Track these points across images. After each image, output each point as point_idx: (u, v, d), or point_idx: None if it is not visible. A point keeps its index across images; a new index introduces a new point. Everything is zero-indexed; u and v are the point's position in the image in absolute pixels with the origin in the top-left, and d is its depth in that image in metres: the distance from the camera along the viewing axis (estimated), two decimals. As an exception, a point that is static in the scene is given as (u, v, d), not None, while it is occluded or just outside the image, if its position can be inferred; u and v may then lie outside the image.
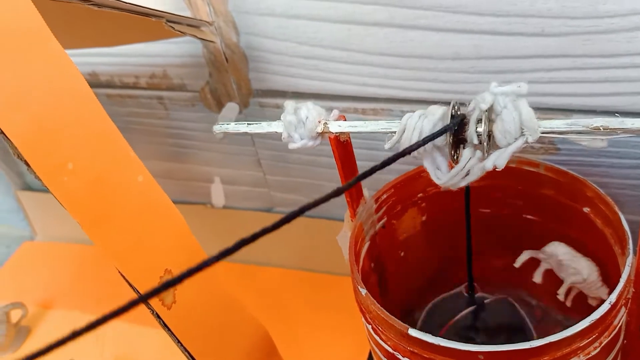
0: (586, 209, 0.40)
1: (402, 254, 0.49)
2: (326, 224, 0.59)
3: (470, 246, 0.43)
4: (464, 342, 0.31)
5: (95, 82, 0.59)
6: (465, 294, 0.48)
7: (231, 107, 0.54)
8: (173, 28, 0.41)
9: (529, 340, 0.31)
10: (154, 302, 0.34)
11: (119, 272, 0.33)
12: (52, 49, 0.30)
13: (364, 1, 0.42)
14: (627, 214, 0.43)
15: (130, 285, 0.33)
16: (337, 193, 0.26)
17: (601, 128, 0.29)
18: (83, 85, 0.31)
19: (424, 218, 0.47)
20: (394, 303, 0.49)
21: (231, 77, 0.52)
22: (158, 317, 0.34)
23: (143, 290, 0.33)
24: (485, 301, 0.49)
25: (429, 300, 0.51)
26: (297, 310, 0.60)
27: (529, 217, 0.45)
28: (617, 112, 0.40)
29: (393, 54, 0.44)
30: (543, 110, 0.42)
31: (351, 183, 0.28)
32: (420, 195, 0.46)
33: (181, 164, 0.63)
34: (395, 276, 0.48)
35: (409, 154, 0.31)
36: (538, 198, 0.43)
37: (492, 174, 0.43)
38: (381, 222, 0.45)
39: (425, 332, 0.33)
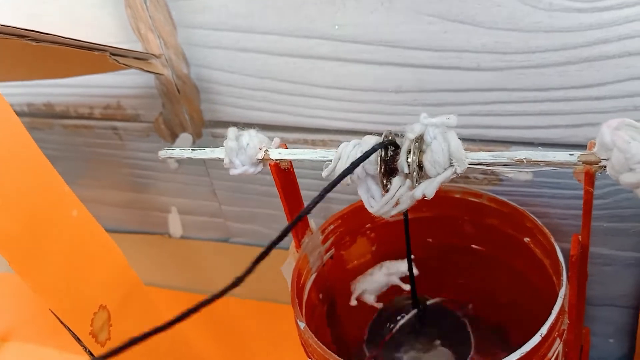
0: (527, 239, 0.40)
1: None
2: (278, 253, 0.59)
3: (412, 274, 0.43)
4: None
5: (50, 113, 0.59)
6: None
7: (185, 138, 0.54)
8: (117, 61, 0.42)
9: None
10: (87, 339, 0.33)
11: (50, 310, 0.32)
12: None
13: (307, 35, 0.42)
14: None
15: (62, 323, 0.33)
16: (284, 233, 0.28)
17: (524, 160, 0.29)
18: (15, 122, 0.31)
19: (373, 248, 0.47)
20: (346, 334, 0.49)
21: (183, 108, 0.52)
22: (91, 354, 0.34)
23: (75, 327, 0.33)
24: (428, 302, 0.49)
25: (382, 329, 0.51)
26: (251, 340, 0.60)
27: (475, 246, 0.45)
28: (555, 144, 0.41)
29: (338, 86, 0.44)
30: (484, 142, 0.42)
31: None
32: (368, 225, 0.46)
33: (138, 193, 0.62)
34: (348, 306, 0.48)
35: (340, 180, 0.32)
36: (483, 228, 0.44)
37: (439, 204, 0.44)
38: (329, 253, 0.45)
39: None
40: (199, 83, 0.49)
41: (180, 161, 0.57)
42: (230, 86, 0.48)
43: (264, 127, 0.50)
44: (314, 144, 0.49)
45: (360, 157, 0.31)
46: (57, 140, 0.61)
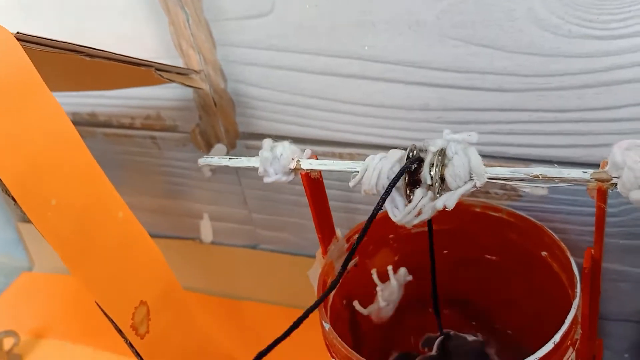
0: (544, 253, 0.42)
1: (378, 293, 0.51)
2: (309, 261, 0.61)
3: (435, 288, 0.45)
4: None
5: (94, 122, 0.62)
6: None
7: (219, 149, 0.57)
8: (162, 76, 0.45)
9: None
10: (128, 331, 0.36)
11: (96, 302, 0.35)
12: (43, 97, 0.33)
13: (338, 55, 0.45)
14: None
15: (106, 315, 0.35)
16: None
17: (540, 176, 0.31)
18: (70, 129, 0.34)
19: (396, 258, 0.49)
20: (368, 341, 0.50)
21: (219, 121, 0.55)
22: (131, 346, 0.36)
23: (118, 320, 0.36)
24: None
25: (403, 340, 0.53)
26: (280, 346, 0.62)
27: (493, 259, 0.47)
28: (572, 163, 0.43)
29: (366, 103, 0.47)
30: (504, 159, 0.44)
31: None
32: (392, 236, 0.48)
33: (172, 200, 0.65)
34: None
35: (383, 203, 0.34)
36: (502, 242, 0.46)
37: (459, 218, 0.46)
38: (354, 261, 0.47)
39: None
40: (235, 97, 0.52)
41: (213, 170, 0.60)
42: (264, 101, 0.51)
43: (294, 140, 0.52)
44: (341, 156, 0.51)
45: (396, 176, 0.33)
46: (99, 148, 0.64)
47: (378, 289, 0.47)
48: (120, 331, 0.36)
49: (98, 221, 0.35)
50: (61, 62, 0.43)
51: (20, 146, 0.31)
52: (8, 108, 0.31)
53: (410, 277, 0.48)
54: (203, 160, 0.42)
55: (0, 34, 0.32)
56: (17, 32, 0.33)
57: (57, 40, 0.36)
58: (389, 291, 0.48)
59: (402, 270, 0.48)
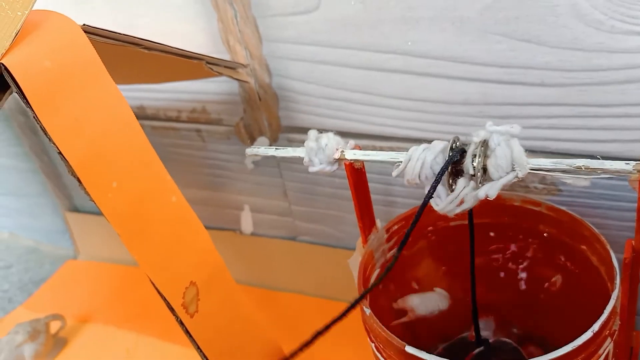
0: (583, 247, 0.43)
1: (416, 286, 0.52)
2: (347, 254, 0.62)
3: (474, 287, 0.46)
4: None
5: (142, 115, 0.65)
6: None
7: (262, 142, 0.59)
8: (212, 69, 0.47)
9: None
10: (179, 309, 0.38)
11: (150, 280, 0.37)
12: (107, 85, 0.35)
13: (382, 50, 0.46)
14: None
15: (159, 292, 0.37)
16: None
17: (583, 167, 0.32)
18: (131, 116, 0.36)
19: (434, 251, 0.50)
20: (410, 334, 0.51)
21: (263, 114, 0.57)
22: (181, 323, 0.38)
23: (170, 298, 0.37)
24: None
25: (442, 334, 0.53)
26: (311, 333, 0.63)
27: (531, 253, 0.47)
28: (614, 158, 0.43)
29: (409, 97, 0.48)
30: (545, 154, 0.45)
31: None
32: (430, 228, 0.49)
33: (214, 191, 0.67)
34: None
35: (432, 193, 0.35)
36: (540, 235, 0.46)
37: (499, 212, 0.47)
38: (392, 251, 0.48)
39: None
40: (279, 92, 0.54)
41: (256, 162, 0.62)
42: (307, 95, 0.53)
43: (336, 133, 0.54)
44: (382, 150, 0.52)
45: (444, 166, 0.34)
46: (146, 140, 0.67)
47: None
48: (172, 308, 0.37)
49: (154, 204, 0.37)
50: (117, 54, 0.45)
51: (86, 130, 0.34)
52: (75, 94, 0.33)
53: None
54: (250, 150, 0.44)
55: (69, 26, 0.34)
56: (84, 24, 0.35)
57: (119, 33, 0.38)
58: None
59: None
